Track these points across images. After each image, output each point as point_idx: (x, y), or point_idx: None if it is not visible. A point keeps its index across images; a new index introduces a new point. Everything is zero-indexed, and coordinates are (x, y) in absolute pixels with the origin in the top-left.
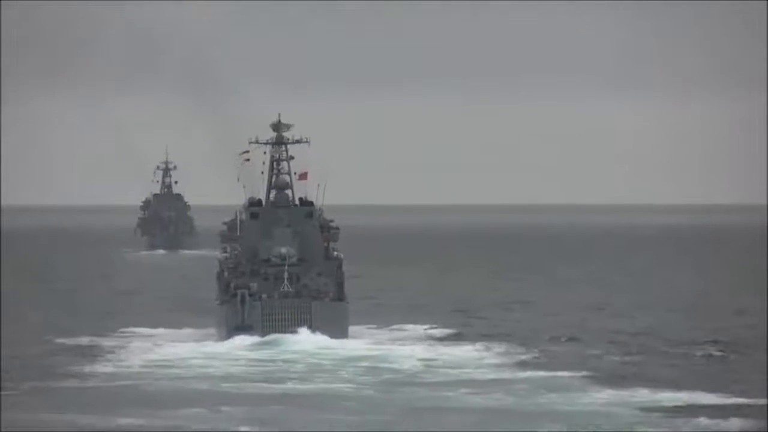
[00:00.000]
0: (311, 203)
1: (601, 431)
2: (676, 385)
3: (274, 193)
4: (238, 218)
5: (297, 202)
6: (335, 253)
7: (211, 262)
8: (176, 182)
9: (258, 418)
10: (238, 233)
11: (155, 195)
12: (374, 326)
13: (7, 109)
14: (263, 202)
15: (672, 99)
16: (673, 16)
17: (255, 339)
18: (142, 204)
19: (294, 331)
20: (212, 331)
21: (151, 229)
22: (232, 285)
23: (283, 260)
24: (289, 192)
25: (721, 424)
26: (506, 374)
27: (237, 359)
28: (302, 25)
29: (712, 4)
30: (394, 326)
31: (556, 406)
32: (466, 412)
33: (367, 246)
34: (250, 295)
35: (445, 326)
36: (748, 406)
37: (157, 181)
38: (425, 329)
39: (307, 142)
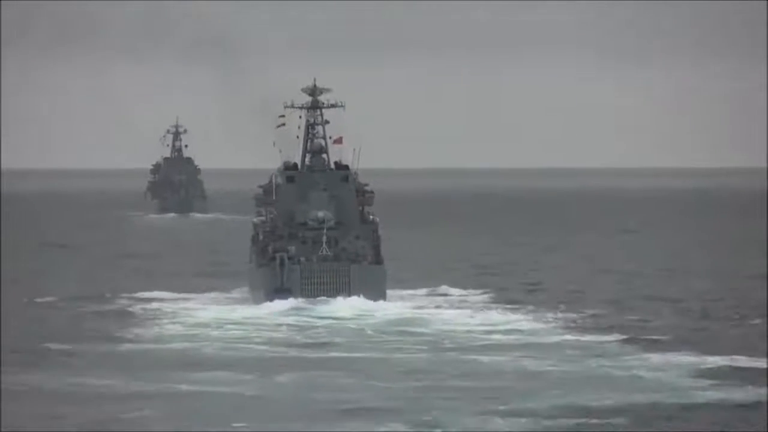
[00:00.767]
0: (347, 167)
1: None
2: (723, 350)
3: (309, 157)
4: (274, 182)
5: (332, 166)
6: (371, 216)
7: (223, 226)
8: (186, 146)
9: (309, 384)
10: (274, 197)
11: (165, 159)
12: (410, 290)
13: (23, 73)
14: (299, 166)
15: (671, 66)
16: None
17: (294, 302)
18: (152, 168)
19: (333, 295)
20: (238, 294)
21: (162, 193)
22: (269, 248)
23: (320, 224)
24: (324, 156)
25: None
26: (554, 338)
27: (279, 324)
28: None
29: None
30: (429, 289)
31: (612, 371)
32: (527, 378)
33: (393, 210)
34: (289, 259)
35: (478, 288)
36: None
37: (168, 145)
38: (459, 293)
39: (342, 106)
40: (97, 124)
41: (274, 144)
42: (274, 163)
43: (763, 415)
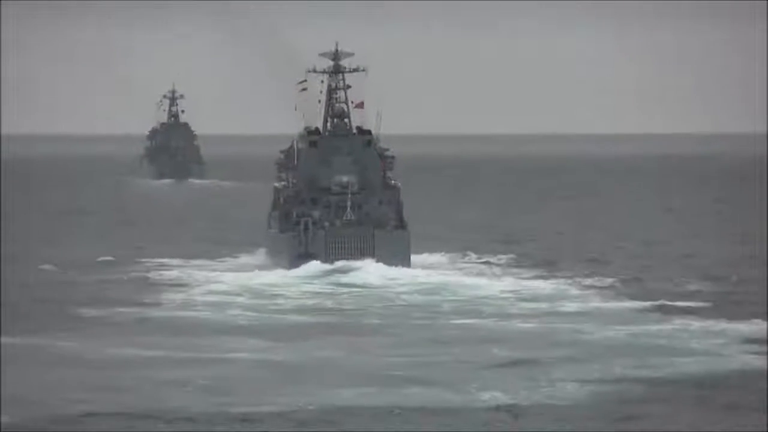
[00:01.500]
0: (369, 132)
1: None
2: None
3: (331, 122)
4: (296, 147)
5: (355, 131)
6: (392, 181)
7: (219, 191)
8: (183, 111)
9: (348, 348)
10: (296, 162)
11: (162, 124)
12: (434, 254)
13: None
14: (320, 131)
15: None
16: None
17: (321, 266)
18: (148, 133)
19: (358, 258)
20: (255, 260)
21: (159, 158)
22: (294, 213)
23: (344, 188)
24: (347, 121)
25: None
26: (593, 304)
27: (304, 291)
28: None
29: None
30: (451, 254)
31: (659, 341)
32: (578, 345)
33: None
34: (313, 224)
35: (503, 254)
36: None
37: (164, 110)
38: (481, 259)
39: (363, 71)
40: (98, 88)
41: (295, 108)
42: (286, 129)
43: None
